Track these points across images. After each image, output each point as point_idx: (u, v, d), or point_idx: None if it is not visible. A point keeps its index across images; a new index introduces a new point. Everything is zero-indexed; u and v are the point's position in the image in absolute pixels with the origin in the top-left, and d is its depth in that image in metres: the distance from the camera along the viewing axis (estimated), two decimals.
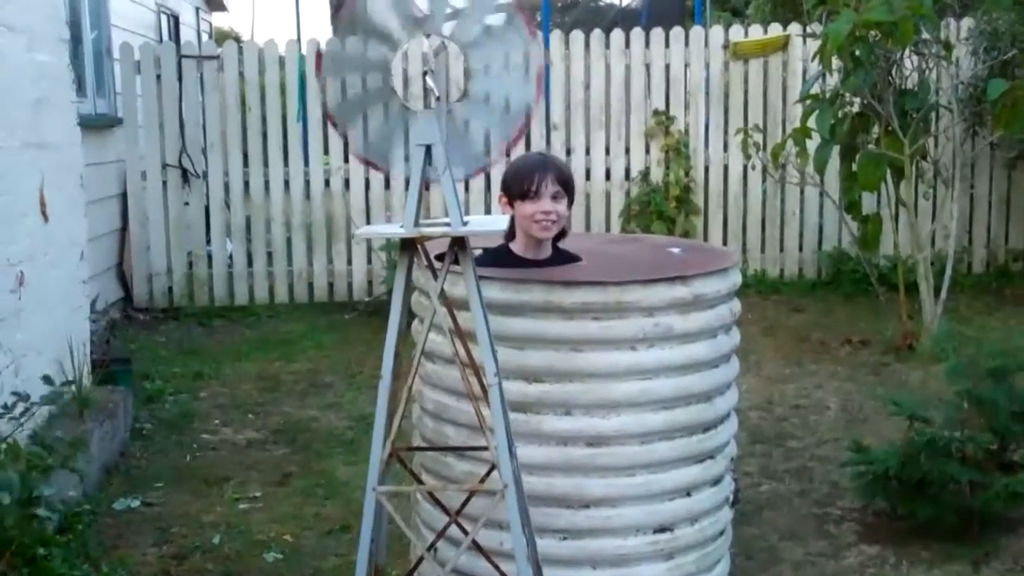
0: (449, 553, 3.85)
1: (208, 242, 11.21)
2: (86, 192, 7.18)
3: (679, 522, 4.00)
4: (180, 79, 10.95)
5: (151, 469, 6.47)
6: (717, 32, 11.52)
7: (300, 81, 11.07)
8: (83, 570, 4.76)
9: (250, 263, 11.20)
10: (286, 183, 11.15)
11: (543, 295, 3.77)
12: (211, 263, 11.14)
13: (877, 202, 10.11)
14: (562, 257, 4.32)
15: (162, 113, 10.90)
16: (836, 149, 9.15)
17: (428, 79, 3.28)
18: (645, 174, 11.29)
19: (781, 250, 11.56)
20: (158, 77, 10.86)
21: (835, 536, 5.41)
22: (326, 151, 11.25)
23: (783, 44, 11.29)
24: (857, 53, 8.56)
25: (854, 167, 9.01)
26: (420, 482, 4.12)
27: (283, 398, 7.93)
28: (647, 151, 11.36)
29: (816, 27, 9.29)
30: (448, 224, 3.25)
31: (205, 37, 17.48)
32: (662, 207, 11.08)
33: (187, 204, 11.08)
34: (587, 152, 11.36)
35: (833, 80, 9.25)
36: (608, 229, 11.26)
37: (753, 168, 11.06)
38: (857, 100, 9.06)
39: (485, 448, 3.46)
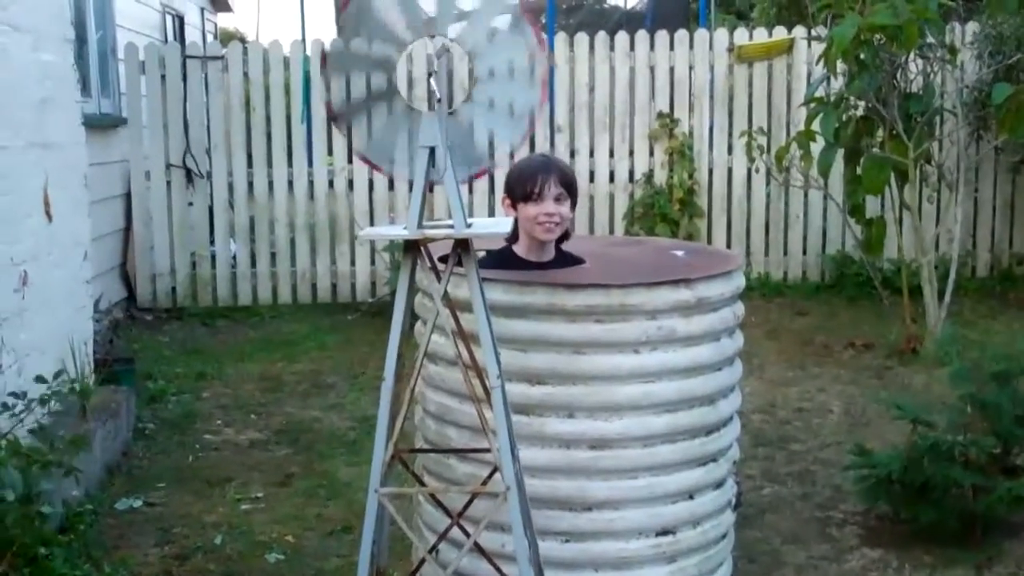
0: (451, 555, 3.85)
1: (212, 242, 11.22)
2: (90, 192, 7.19)
3: (681, 525, 4.00)
4: (185, 79, 10.95)
5: (153, 469, 6.47)
6: (722, 35, 11.53)
7: (304, 82, 11.07)
8: (84, 570, 4.76)
9: (253, 263, 11.21)
10: (290, 184, 11.16)
11: (546, 297, 3.76)
12: (215, 263, 11.15)
13: (881, 206, 10.12)
14: (565, 259, 4.31)
15: (166, 113, 10.90)
16: (840, 152, 9.14)
17: (432, 81, 3.25)
18: (649, 176, 11.30)
19: (785, 253, 11.56)
20: (163, 77, 10.87)
21: (837, 540, 5.40)
22: (330, 152, 11.26)
23: (787, 47, 11.29)
24: (862, 57, 8.56)
25: (858, 171, 9.01)
26: (422, 484, 4.12)
27: (286, 399, 7.93)
28: (651, 153, 11.36)
29: (821, 30, 9.29)
30: (452, 226, 3.25)
31: (210, 37, 17.49)
32: (666, 210, 11.08)
33: (191, 204, 11.09)
34: (591, 154, 11.37)
35: (837, 83, 9.25)
36: (612, 231, 11.27)
37: (757, 171, 11.06)
38: (861, 104, 9.06)
39: (487, 450, 3.45)
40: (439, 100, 3.17)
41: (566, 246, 4.40)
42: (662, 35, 11.32)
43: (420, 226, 3.23)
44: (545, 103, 3.03)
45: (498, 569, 3.67)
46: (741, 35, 11.57)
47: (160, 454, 6.74)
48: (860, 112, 9.10)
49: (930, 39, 8.87)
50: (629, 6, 18.75)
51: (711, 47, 11.37)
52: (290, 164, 11.15)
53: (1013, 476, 5.25)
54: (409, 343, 3.49)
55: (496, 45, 3.23)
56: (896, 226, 9.62)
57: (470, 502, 3.77)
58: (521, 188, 4.22)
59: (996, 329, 9.60)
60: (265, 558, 5.22)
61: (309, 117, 11.11)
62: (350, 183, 11.15)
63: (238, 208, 11.17)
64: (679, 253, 4.65)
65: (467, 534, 3.71)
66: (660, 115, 11.31)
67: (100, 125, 10.05)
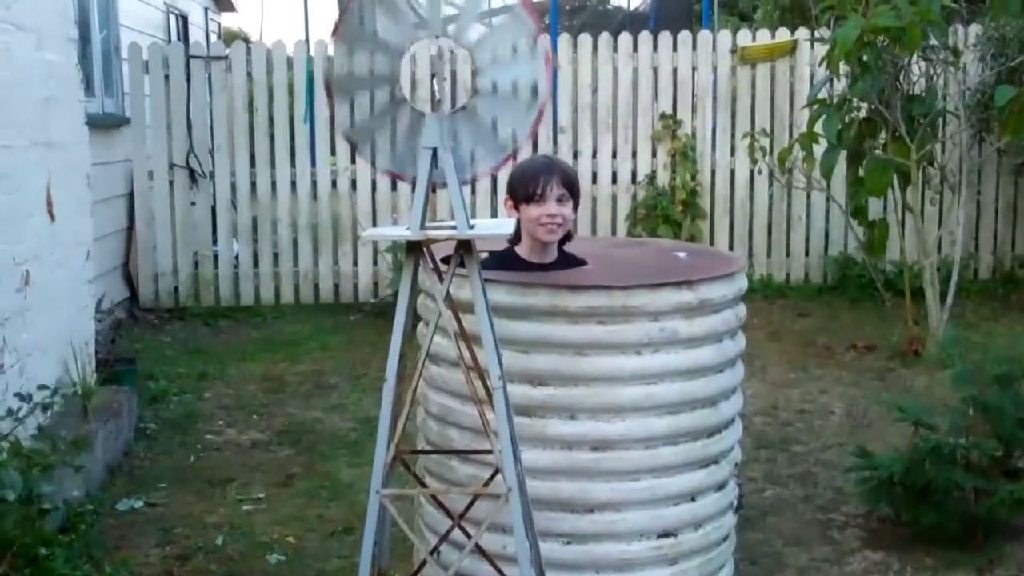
0: (452, 556, 3.85)
1: (214, 242, 11.22)
2: (93, 191, 7.19)
3: (683, 527, 4.00)
4: (188, 79, 10.95)
5: (155, 469, 6.47)
6: (725, 36, 11.54)
7: (308, 82, 11.07)
8: (85, 570, 4.77)
9: (256, 263, 11.21)
10: (293, 184, 11.16)
11: (548, 299, 3.76)
12: (217, 263, 11.15)
13: (884, 207, 10.13)
14: (568, 261, 4.31)
15: (170, 113, 10.91)
16: (843, 154, 9.15)
17: (433, 83, 3.26)
18: (652, 178, 11.29)
19: (787, 255, 11.56)
20: (166, 77, 10.88)
21: (839, 542, 5.40)
22: (333, 152, 11.25)
23: (791, 49, 11.29)
24: (865, 58, 8.56)
25: (861, 172, 9.01)
26: (424, 485, 4.12)
27: (288, 399, 7.93)
28: (654, 155, 11.36)
29: (824, 32, 9.29)
30: (454, 227, 3.25)
31: (214, 37, 17.48)
32: (668, 211, 11.08)
33: (194, 204, 11.09)
34: (594, 155, 11.37)
35: (840, 85, 9.25)
36: (614, 233, 11.26)
37: (760, 172, 11.07)
38: (864, 105, 9.06)
39: (489, 452, 3.45)
40: (437, 101, 3.17)
41: (568, 247, 4.40)
42: (665, 36, 11.32)
43: (423, 227, 3.23)
44: (547, 107, 3.00)
45: (499, 571, 3.67)
46: (744, 36, 11.57)
47: (162, 454, 6.74)
48: (863, 114, 9.10)
49: (933, 41, 8.87)
50: (632, 7, 18.71)
51: (714, 48, 11.38)
52: (293, 164, 11.15)
53: (1015, 479, 5.25)
54: (411, 344, 3.49)
55: (492, 34, 3.23)
56: (898, 228, 9.62)
57: (472, 503, 3.77)
58: (523, 189, 4.22)
59: (998, 331, 9.60)
60: (266, 559, 5.22)
61: (312, 117, 11.11)
62: (353, 183, 11.15)
63: (241, 208, 11.17)
64: (681, 255, 4.65)
65: (468, 535, 3.71)
66: (663, 116, 11.31)
67: (103, 125, 10.05)
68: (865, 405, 7.55)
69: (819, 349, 9.17)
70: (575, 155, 11.29)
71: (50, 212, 6.21)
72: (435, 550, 3.95)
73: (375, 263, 11.14)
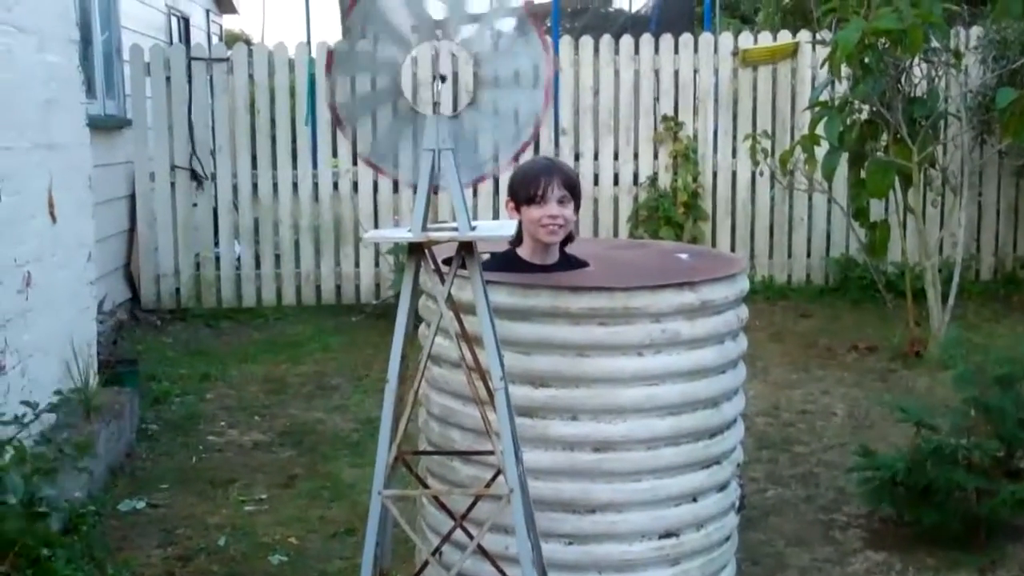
0: (454, 557, 3.85)
1: (216, 244, 11.23)
2: (94, 193, 7.19)
3: (685, 528, 4.00)
4: (190, 81, 10.96)
5: (157, 470, 6.47)
6: (726, 38, 11.54)
7: (310, 84, 11.08)
8: (87, 571, 4.77)
9: (258, 265, 11.21)
10: (294, 185, 11.17)
11: (550, 300, 3.76)
12: (219, 265, 11.15)
13: (885, 209, 10.13)
14: (569, 262, 4.32)
15: (171, 115, 10.91)
16: (844, 156, 9.15)
17: (436, 85, 3.25)
18: (653, 179, 11.30)
19: (789, 256, 11.56)
20: (168, 79, 10.88)
21: (841, 542, 5.40)
22: (335, 154, 11.26)
23: (792, 51, 11.29)
24: (866, 61, 8.57)
25: (862, 174, 9.02)
26: (425, 486, 4.12)
27: (290, 400, 7.93)
28: (656, 156, 11.36)
29: (826, 34, 9.29)
30: (456, 229, 3.26)
31: (215, 39, 17.46)
32: (670, 213, 11.09)
33: (195, 206, 11.09)
34: (595, 157, 11.37)
35: (842, 87, 9.25)
36: (616, 234, 11.26)
37: (761, 174, 11.07)
38: (866, 107, 9.07)
39: (491, 452, 3.45)
40: (436, 103, 3.17)
41: (570, 249, 4.41)
42: (667, 39, 11.33)
43: (424, 229, 3.24)
44: (548, 110, 3.01)
45: (501, 571, 3.67)
46: (746, 39, 11.59)
47: (163, 455, 6.74)
48: (864, 116, 9.10)
49: (935, 43, 8.87)
50: (634, 10, 18.73)
51: (716, 51, 11.38)
52: (294, 166, 11.15)
53: (1017, 479, 5.25)
54: (413, 345, 3.49)
55: (502, 50, 3.24)
56: (900, 229, 9.61)
57: (473, 504, 3.78)
58: (524, 191, 4.22)
59: (1000, 332, 9.60)
60: (268, 560, 5.22)
61: (314, 119, 11.11)
62: (355, 185, 11.15)
63: (243, 209, 11.17)
64: (683, 256, 4.65)
65: (470, 536, 3.71)
66: (664, 118, 11.32)
67: (105, 126, 10.05)
68: (867, 406, 7.55)
69: (821, 350, 9.18)
70: (577, 157, 11.29)
71: (52, 214, 6.21)
72: (437, 551, 3.96)
73: (377, 264, 11.14)
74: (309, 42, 11.55)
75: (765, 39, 11.57)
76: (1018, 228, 11.62)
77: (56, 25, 6.51)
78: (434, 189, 3.21)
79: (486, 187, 10.95)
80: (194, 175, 11.00)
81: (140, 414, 7.16)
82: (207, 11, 17.92)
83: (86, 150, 6.96)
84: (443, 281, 3.41)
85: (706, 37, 11.55)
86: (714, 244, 11.30)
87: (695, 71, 11.36)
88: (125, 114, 10.96)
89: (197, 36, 15.91)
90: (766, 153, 10.24)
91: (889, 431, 6.81)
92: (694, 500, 4.01)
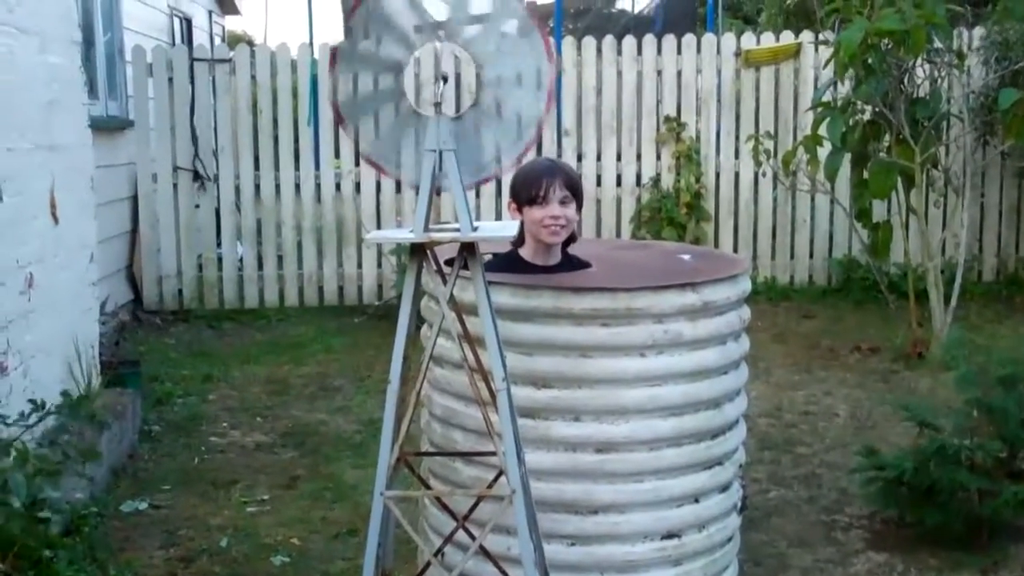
0: (456, 558, 3.85)
1: (218, 245, 11.24)
2: (97, 194, 7.19)
3: (687, 528, 4.00)
4: (192, 82, 10.97)
5: (159, 471, 6.48)
6: (729, 39, 11.53)
7: (312, 85, 11.08)
8: (89, 572, 4.77)
9: (260, 266, 11.21)
10: (297, 186, 11.17)
11: (552, 301, 3.76)
12: (221, 266, 11.16)
13: (888, 210, 10.12)
14: (572, 263, 4.32)
15: (174, 116, 10.91)
16: (847, 157, 9.16)
17: (439, 85, 3.25)
18: (656, 180, 11.30)
19: (791, 257, 11.56)
20: (170, 80, 10.88)
21: (843, 543, 5.40)
22: (337, 155, 11.26)
23: (795, 52, 11.29)
24: (869, 61, 8.57)
25: (865, 175, 9.02)
26: (428, 487, 4.12)
27: (292, 401, 7.93)
28: (658, 157, 11.36)
29: (829, 35, 9.29)
30: (458, 229, 3.26)
31: (218, 40, 17.47)
32: (673, 213, 11.08)
33: (198, 207, 11.09)
34: (598, 158, 11.37)
35: (845, 88, 9.25)
36: (619, 235, 11.27)
37: (764, 175, 11.08)
38: (868, 108, 9.07)
39: (493, 453, 3.45)
40: (437, 104, 3.17)
41: (572, 250, 4.40)
42: (669, 39, 11.33)
43: (426, 229, 3.24)
44: (551, 111, 3.01)
45: (504, 572, 3.67)
46: (748, 39, 11.59)
47: (166, 456, 6.75)
48: (867, 117, 9.11)
49: (937, 44, 8.87)
50: (637, 11, 18.75)
51: (718, 51, 11.38)
52: (297, 167, 11.15)
53: (1019, 480, 5.24)
54: (415, 346, 3.49)
55: (505, 52, 3.23)
56: (903, 230, 9.61)
57: (476, 505, 3.78)
58: (526, 192, 4.22)
59: (1002, 333, 9.59)
60: (271, 561, 5.22)
61: (316, 120, 11.12)
62: (357, 186, 11.15)
63: (245, 211, 11.18)
64: (685, 257, 4.65)
65: (473, 537, 3.71)
66: (667, 119, 11.32)
67: (107, 127, 10.06)
68: (869, 407, 7.55)
69: (823, 351, 9.17)
70: (579, 158, 11.30)
71: (54, 215, 6.22)
72: (439, 552, 3.95)
73: (379, 265, 11.14)
74: (311, 43, 11.55)
75: (768, 40, 11.56)
76: (1020, 229, 11.61)
77: (58, 26, 6.51)
78: (437, 190, 3.21)
79: (488, 188, 10.96)
80: (196, 176, 11.00)
81: (142, 415, 7.16)
82: (209, 12, 17.92)
83: (88, 151, 6.96)
84: (445, 282, 3.41)
85: (709, 38, 11.55)
86: (717, 245, 11.30)
87: (698, 72, 11.37)
88: (127, 115, 10.97)
89: (199, 37, 15.91)
90: (769, 154, 10.24)
91: (891, 432, 6.82)
92: (696, 501, 4.01)
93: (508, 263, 4.27)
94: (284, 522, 5.69)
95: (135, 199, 10.91)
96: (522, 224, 4.17)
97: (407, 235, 3.30)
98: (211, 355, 9.31)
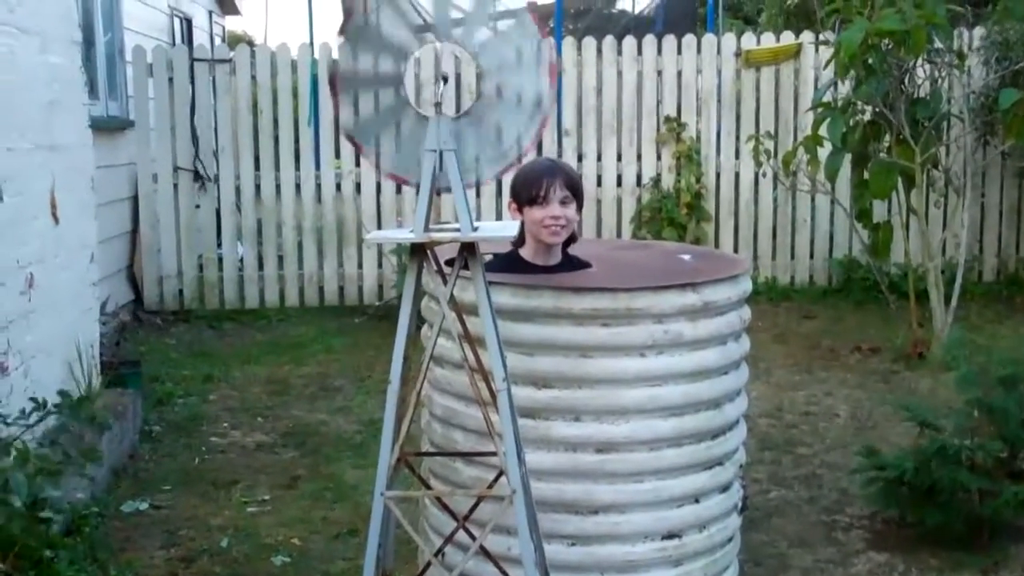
0: (457, 558, 3.84)
1: (219, 245, 11.24)
2: (97, 194, 7.19)
3: (687, 528, 4.00)
4: (192, 82, 10.97)
5: (159, 472, 6.48)
6: (729, 39, 11.53)
7: (312, 85, 11.08)
8: (90, 572, 4.78)
9: (261, 266, 11.21)
10: (297, 187, 11.17)
11: (553, 301, 3.76)
12: (222, 266, 11.16)
13: (888, 210, 10.11)
14: (572, 263, 4.32)
15: (174, 116, 10.91)
16: (847, 157, 9.15)
17: (439, 85, 3.25)
18: (656, 180, 11.30)
19: (792, 257, 11.56)
20: (170, 80, 10.88)
21: (844, 543, 5.40)
22: (337, 155, 11.26)
23: (795, 52, 11.29)
24: (870, 61, 8.57)
25: (865, 175, 9.02)
26: (428, 487, 4.12)
27: (292, 402, 7.93)
28: (658, 157, 11.36)
29: (829, 35, 9.29)
30: (458, 230, 3.25)
31: (218, 41, 17.48)
32: (673, 214, 11.08)
33: (198, 207, 11.09)
34: (598, 158, 11.37)
35: (845, 88, 9.25)
36: (619, 235, 11.27)
37: (764, 175, 11.08)
38: (869, 108, 9.07)
39: (493, 453, 3.45)
40: (436, 103, 3.17)
41: (573, 250, 4.40)
42: (670, 40, 11.33)
43: (426, 229, 3.23)
44: (553, 88, 2.99)
45: (504, 572, 3.67)
46: (749, 40, 11.59)
47: (166, 456, 6.75)
48: (867, 117, 9.11)
49: (938, 44, 8.88)
50: (637, 11, 18.74)
51: (719, 52, 11.38)
52: (297, 167, 11.16)
53: (1020, 480, 5.25)
54: (415, 346, 3.49)
55: (497, 40, 3.23)
56: (903, 231, 9.62)
57: (476, 505, 3.78)
58: (526, 192, 4.22)
59: (1002, 334, 9.59)
60: (271, 561, 5.22)
61: (316, 120, 11.12)
62: (357, 186, 11.16)
63: (245, 211, 11.18)
64: (686, 257, 4.65)
65: (473, 537, 3.71)
66: (667, 119, 11.32)
67: (107, 128, 10.06)
68: (870, 407, 7.55)
69: (824, 351, 9.17)
70: (580, 158, 11.30)
71: (54, 215, 6.22)
72: (440, 552, 3.95)
73: (380, 266, 11.15)
74: (312, 43, 11.54)
75: (768, 40, 11.57)
76: (1021, 229, 11.61)
77: (58, 26, 6.51)
78: (437, 190, 3.21)
79: (489, 188, 10.96)
80: (197, 176, 11.01)
81: (143, 415, 7.16)
82: (210, 12, 17.92)
83: (89, 151, 6.96)
84: (446, 282, 3.40)
85: (709, 38, 11.55)
86: (717, 245, 11.30)
87: (698, 72, 11.37)
88: (128, 115, 10.97)
89: (200, 37, 15.90)
90: (769, 154, 10.25)
91: (891, 432, 6.82)
92: (696, 501, 4.01)
93: (508, 263, 4.27)
94: (285, 522, 5.69)
95: (135, 199, 10.91)
96: (522, 224, 4.17)
97: (407, 235, 3.30)
98: (212, 355, 9.31)
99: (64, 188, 6.34)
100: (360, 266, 11.21)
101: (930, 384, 8.02)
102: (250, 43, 13.06)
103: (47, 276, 6.02)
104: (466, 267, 3.35)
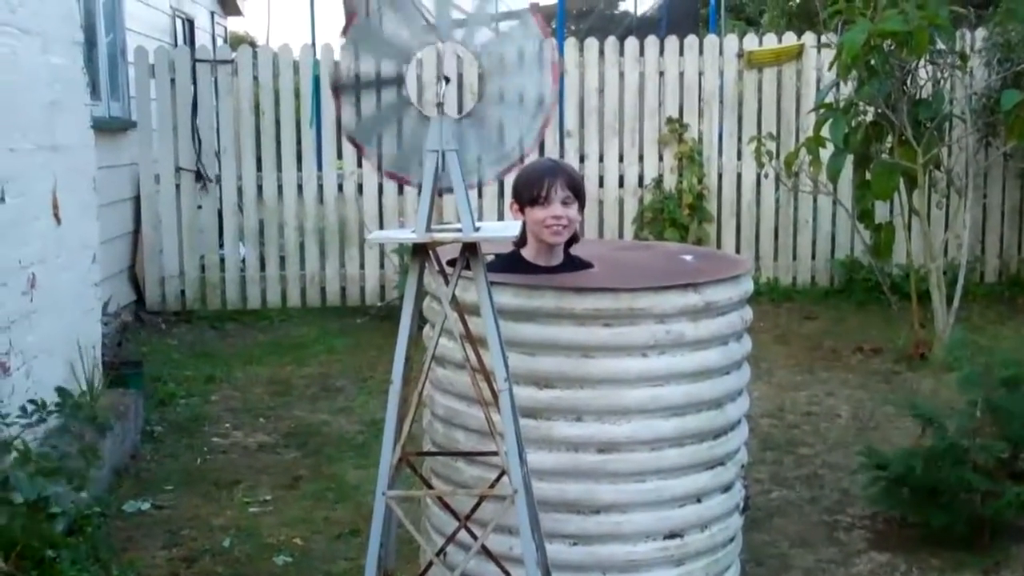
0: (458, 558, 3.84)
1: (221, 246, 11.24)
2: (99, 195, 7.19)
3: (689, 528, 4.00)
4: (194, 83, 10.98)
5: (161, 472, 6.48)
6: (731, 40, 11.55)
7: (314, 86, 11.08)
8: (92, 572, 4.77)
9: (263, 267, 11.21)
10: (299, 187, 11.17)
11: (554, 301, 3.76)
12: (224, 266, 11.17)
13: (890, 211, 10.11)
14: (574, 263, 4.32)
15: (176, 117, 10.92)
16: (849, 158, 9.15)
17: (441, 86, 3.25)
18: (658, 181, 11.30)
19: (794, 258, 11.57)
20: (172, 81, 10.89)
21: (845, 543, 5.40)
22: (339, 155, 11.26)
23: (797, 53, 11.29)
24: (872, 62, 8.57)
25: (867, 176, 9.02)
26: (430, 487, 4.12)
27: (294, 402, 7.93)
28: (660, 158, 11.37)
29: (831, 36, 9.30)
30: (460, 230, 3.25)
31: (220, 41, 17.48)
32: (675, 214, 11.09)
33: (200, 208, 11.10)
34: (600, 159, 11.37)
35: (847, 89, 9.25)
36: (621, 236, 11.27)
37: (766, 176, 11.07)
38: (871, 109, 9.07)
39: (495, 453, 3.45)
40: (439, 103, 3.17)
41: (575, 250, 4.40)
42: (672, 40, 11.33)
43: (428, 230, 3.23)
44: (555, 88, 2.99)
45: (506, 572, 3.67)
46: (751, 41, 11.59)
47: (168, 457, 6.75)
48: (869, 118, 9.11)
49: (940, 45, 8.88)
50: (640, 12, 18.75)
51: (721, 53, 11.38)
52: (299, 168, 11.16)
53: (1021, 481, 5.24)
54: (417, 346, 3.49)
55: (499, 40, 3.23)
56: (905, 231, 9.61)
57: (478, 505, 3.77)
58: (528, 192, 4.22)
59: (1004, 335, 9.60)
60: (273, 561, 5.22)
61: (318, 121, 11.12)
62: (359, 187, 11.16)
63: (247, 211, 11.18)
64: (688, 257, 4.65)
65: (475, 537, 3.71)
66: (670, 120, 11.32)
67: (109, 128, 10.07)
68: (872, 407, 7.55)
69: (825, 352, 9.17)
70: (582, 159, 11.30)
71: (56, 215, 6.22)
72: (441, 551, 3.95)
73: (382, 266, 11.15)
74: (314, 44, 11.56)
75: (770, 41, 11.57)
76: (1023, 230, 11.61)
77: (60, 27, 6.51)
78: (439, 190, 3.21)
79: (491, 188, 10.96)
80: (199, 177, 11.02)
81: (145, 416, 7.17)
82: (212, 13, 17.93)
83: (90, 152, 6.96)
84: (447, 282, 3.41)
85: (711, 39, 11.55)
86: (719, 246, 11.30)
87: (700, 73, 11.37)
88: (130, 116, 10.98)
89: (202, 38, 15.91)
90: (771, 155, 10.26)
91: (893, 433, 6.83)
92: (698, 501, 4.01)
93: (510, 263, 4.27)
94: (286, 522, 5.70)
95: (137, 200, 10.92)
96: (524, 225, 4.17)
97: (409, 235, 3.29)
98: (213, 356, 9.31)
99: (66, 189, 6.34)
100: (362, 266, 11.21)
101: (932, 385, 8.02)
102: (252, 44, 13.09)
103: (49, 276, 6.03)
104: (468, 267, 3.34)
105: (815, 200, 11.14)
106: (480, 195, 10.93)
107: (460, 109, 3.26)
